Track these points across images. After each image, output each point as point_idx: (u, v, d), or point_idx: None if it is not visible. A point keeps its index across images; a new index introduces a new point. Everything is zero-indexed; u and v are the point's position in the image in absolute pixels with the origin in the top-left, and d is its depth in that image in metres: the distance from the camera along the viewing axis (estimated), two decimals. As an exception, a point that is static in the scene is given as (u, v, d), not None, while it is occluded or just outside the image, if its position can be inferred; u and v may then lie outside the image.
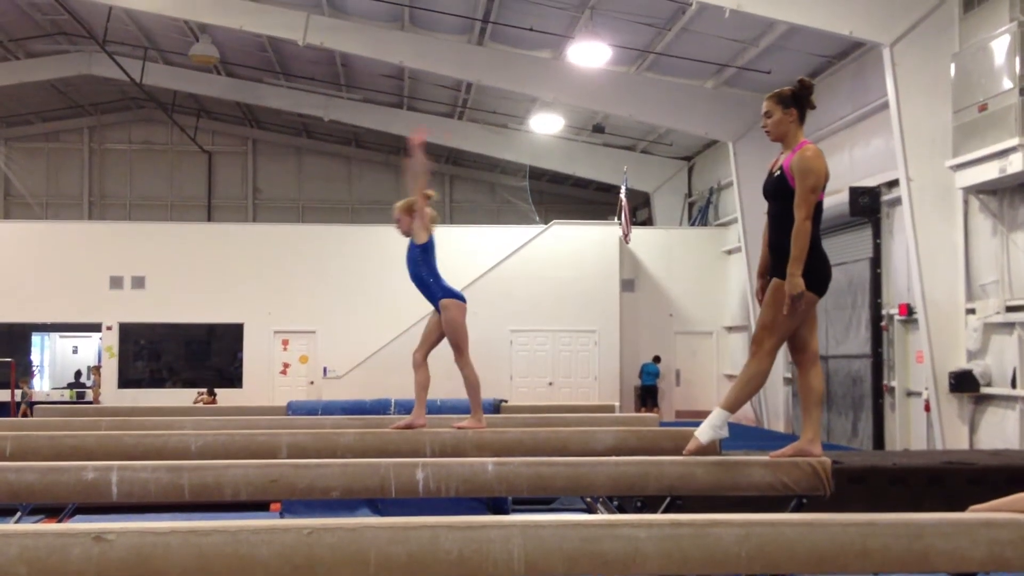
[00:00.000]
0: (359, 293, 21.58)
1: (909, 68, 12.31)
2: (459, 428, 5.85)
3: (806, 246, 4.51)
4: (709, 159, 22.43)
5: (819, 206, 4.63)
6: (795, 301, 4.47)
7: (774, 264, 4.70)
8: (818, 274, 4.59)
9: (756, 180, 17.76)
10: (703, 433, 4.56)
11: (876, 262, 14.77)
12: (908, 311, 13.66)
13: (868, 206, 14.55)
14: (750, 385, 4.63)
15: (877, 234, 14.74)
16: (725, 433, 4.58)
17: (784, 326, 4.59)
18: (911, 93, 12.32)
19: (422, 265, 6.28)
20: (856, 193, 14.56)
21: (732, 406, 4.60)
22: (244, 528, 3.06)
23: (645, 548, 3.16)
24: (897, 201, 13.61)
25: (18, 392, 19.76)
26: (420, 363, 6.21)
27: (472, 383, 6.12)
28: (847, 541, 3.28)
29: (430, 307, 19.79)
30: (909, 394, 14.03)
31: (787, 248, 4.53)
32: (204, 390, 20.23)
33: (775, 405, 18.40)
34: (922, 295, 12.34)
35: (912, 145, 12.26)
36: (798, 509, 4.56)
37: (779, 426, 18.17)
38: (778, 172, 4.70)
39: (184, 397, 20.07)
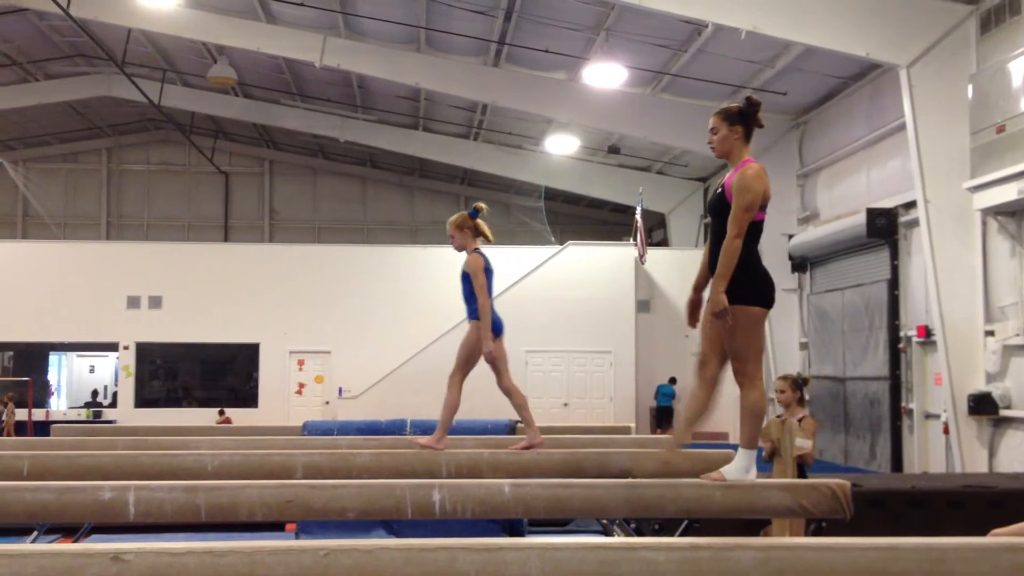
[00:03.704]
0: (374, 313, 21.59)
1: (926, 89, 12.29)
2: (420, 445, 5.80)
3: (733, 264, 4.47)
4: (724, 180, 22.39)
5: (759, 225, 4.61)
6: (719, 317, 4.44)
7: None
8: (761, 288, 4.57)
9: (771, 201, 17.77)
10: (730, 473, 4.49)
11: (894, 284, 14.70)
12: (926, 333, 13.58)
13: (885, 227, 14.50)
14: (756, 415, 4.59)
15: (895, 255, 14.69)
16: (753, 475, 4.51)
17: (753, 345, 4.57)
18: (928, 114, 12.29)
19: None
20: (873, 214, 14.52)
21: (752, 442, 4.56)
22: (260, 549, 3.05)
23: (663, 571, 3.13)
24: (915, 222, 13.56)
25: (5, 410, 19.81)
26: (509, 388, 6.18)
27: (450, 404, 6.08)
28: (867, 565, 3.24)
29: (445, 326, 19.73)
30: (927, 416, 13.93)
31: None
32: (223, 410, 20.30)
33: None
34: (940, 317, 12.27)
35: (929, 166, 12.22)
36: (817, 532, 4.52)
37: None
38: (719, 190, 4.69)
39: (200, 417, 20.08)
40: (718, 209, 4.66)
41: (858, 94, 15.72)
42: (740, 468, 4.49)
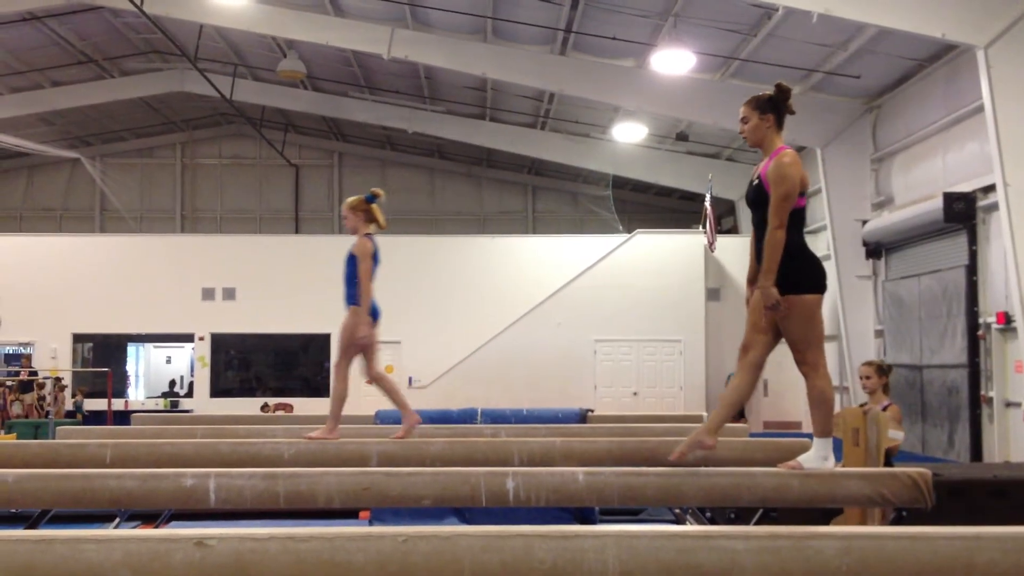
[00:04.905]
0: (443, 303, 21.71)
1: (1005, 70, 11.96)
2: (309, 439, 5.84)
3: (778, 256, 4.45)
4: (795, 166, 22.06)
5: (801, 212, 4.57)
6: (772, 311, 4.43)
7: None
8: (812, 274, 4.56)
9: (845, 187, 17.49)
10: (808, 461, 4.45)
11: (972, 269, 14.36)
12: (1006, 319, 13.26)
13: (963, 212, 14.16)
14: (824, 402, 4.56)
15: (973, 241, 14.34)
16: (831, 463, 4.46)
17: (812, 333, 4.55)
18: (1007, 96, 11.97)
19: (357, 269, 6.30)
20: (950, 199, 14.19)
21: (825, 430, 4.52)
22: (340, 535, 3.09)
23: (743, 561, 3.11)
24: (994, 207, 13.23)
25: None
26: (378, 375, 6.44)
27: (338, 394, 6.24)
28: (952, 555, 3.18)
29: (513, 316, 19.81)
30: (1008, 405, 13.60)
31: None
32: (267, 404, 20.67)
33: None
34: (1021, 303, 11.96)
35: (1009, 149, 11.91)
36: (898, 522, 4.45)
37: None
38: (756, 180, 4.63)
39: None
40: (757, 200, 4.64)
41: (934, 76, 15.36)
42: (818, 457, 4.45)
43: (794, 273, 4.47)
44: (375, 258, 6.35)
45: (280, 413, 18.39)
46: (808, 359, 4.52)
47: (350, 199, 6.49)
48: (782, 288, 4.44)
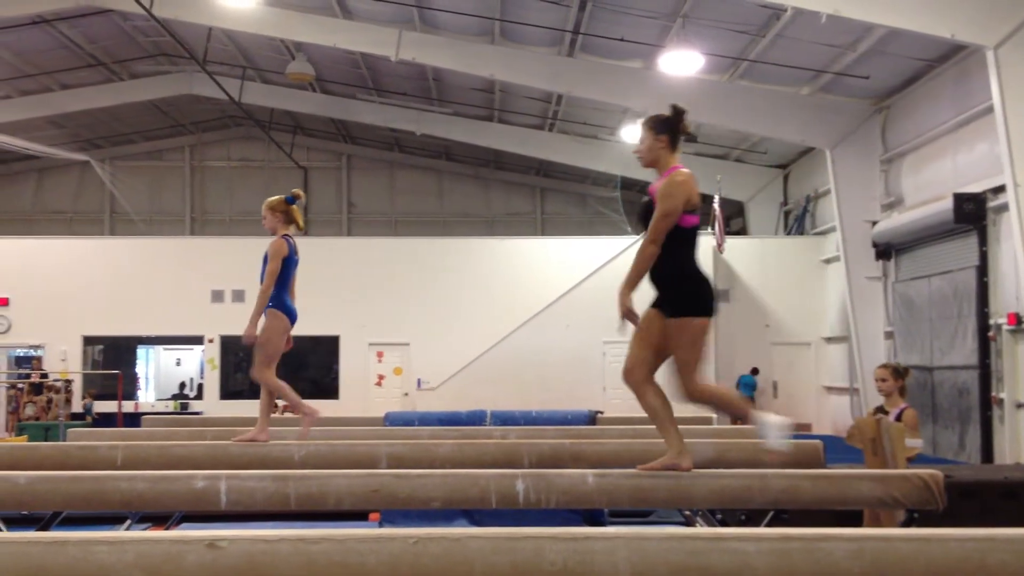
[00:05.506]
0: (452, 305, 21.70)
1: (1015, 71, 11.93)
2: (238, 441, 5.83)
3: (642, 270, 4.47)
4: (805, 167, 22.05)
5: (692, 231, 4.56)
6: (626, 318, 4.47)
7: (659, 296, 4.56)
8: (699, 297, 4.52)
9: (854, 188, 17.45)
10: (767, 438, 4.44)
11: (983, 270, 14.32)
12: (1017, 320, 13.21)
13: (973, 213, 14.13)
14: (714, 397, 4.67)
15: (983, 241, 14.30)
16: (778, 418, 4.44)
17: (695, 357, 4.51)
18: (1017, 96, 11.93)
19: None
20: (961, 200, 14.15)
21: (743, 409, 4.62)
22: (352, 536, 3.10)
23: (754, 563, 3.10)
24: (1004, 207, 13.19)
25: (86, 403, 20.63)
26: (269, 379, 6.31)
27: (273, 393, 6.23)
28: (964, 556, 3.17)
29: (522, 317, 19.76)
30: (1019, 406, 13.56)
31: (667, 278, 4.49)
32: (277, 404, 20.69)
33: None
34: (1032, 304, 11.93)
35: (1019, 149, 11.87)
36: (909, 524, 4.43)
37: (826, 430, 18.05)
38: (647, 199, 4.66)
39: (282, 408, 20.41)
40: (647, 218, 4.61)
41: (943, 77, 15.32)
42: (768, 429, 4.41)
43: (683, 295, 4.47)
44: (292, 260, 6.37)
45: (289, 415, 18.40)
46: (686, 380, 4.49)
47: (270, 199, 6.54)
48: (671, 311, 4.43)
